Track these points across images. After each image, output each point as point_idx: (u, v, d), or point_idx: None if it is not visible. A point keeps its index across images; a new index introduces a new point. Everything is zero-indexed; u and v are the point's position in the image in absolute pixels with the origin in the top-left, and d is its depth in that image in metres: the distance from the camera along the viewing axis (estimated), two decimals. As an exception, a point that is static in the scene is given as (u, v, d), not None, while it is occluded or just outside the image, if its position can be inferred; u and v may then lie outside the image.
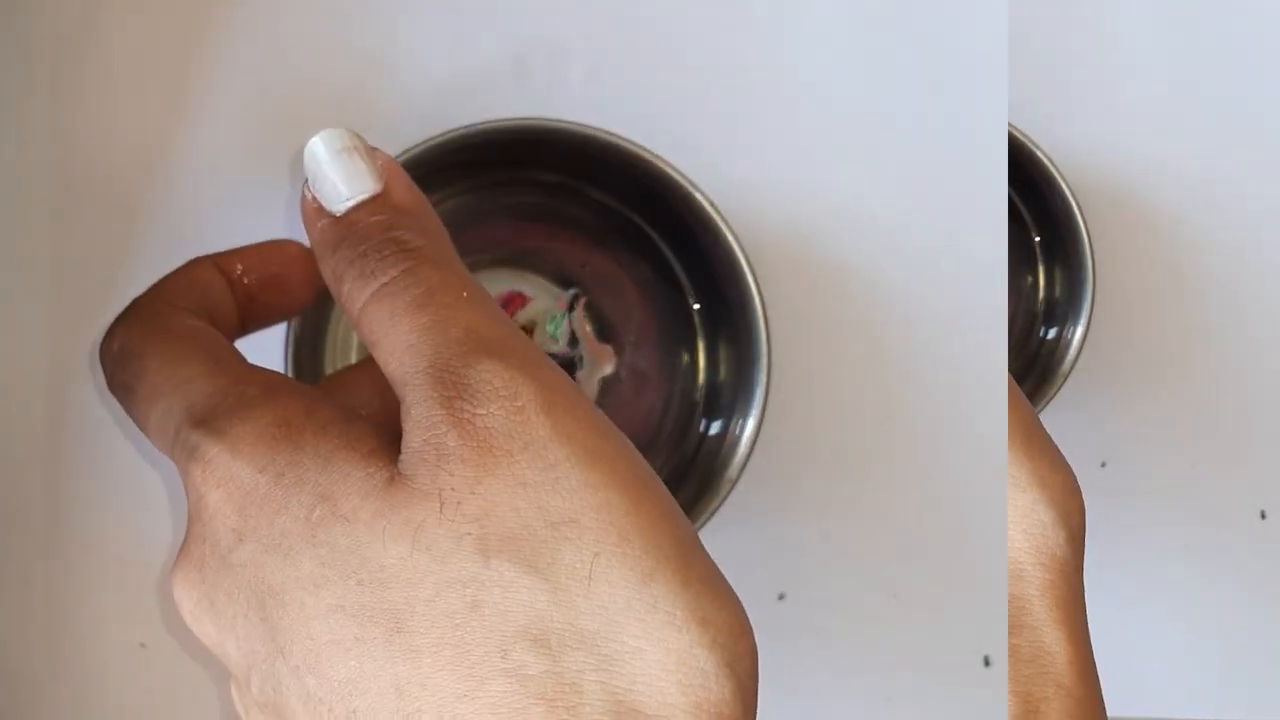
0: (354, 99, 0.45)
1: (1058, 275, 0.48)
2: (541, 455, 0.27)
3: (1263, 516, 0.51)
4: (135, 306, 0.33)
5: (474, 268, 0.44)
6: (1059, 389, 0.46)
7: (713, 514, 0.42)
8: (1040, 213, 0.49)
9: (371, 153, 0.31)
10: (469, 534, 0.26)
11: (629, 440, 0.29)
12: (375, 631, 0.26)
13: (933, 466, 0.48)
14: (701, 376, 0.45)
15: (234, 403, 0.29)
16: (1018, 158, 0.46)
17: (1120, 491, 0.50)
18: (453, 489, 0.27)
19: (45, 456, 0.44)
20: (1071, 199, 0.46)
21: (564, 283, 0.45)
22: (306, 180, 0.31)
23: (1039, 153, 0.46)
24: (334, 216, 0.30)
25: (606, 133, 0.41)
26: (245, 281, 0.36)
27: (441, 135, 0.40)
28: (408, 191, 0.31)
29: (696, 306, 0.45)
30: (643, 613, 0.26)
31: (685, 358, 0.45)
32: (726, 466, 0.43)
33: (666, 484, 0.44)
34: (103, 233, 0.44)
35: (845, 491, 0.49)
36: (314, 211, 0.31)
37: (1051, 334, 0.47)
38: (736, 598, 0.28)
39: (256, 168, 0.45)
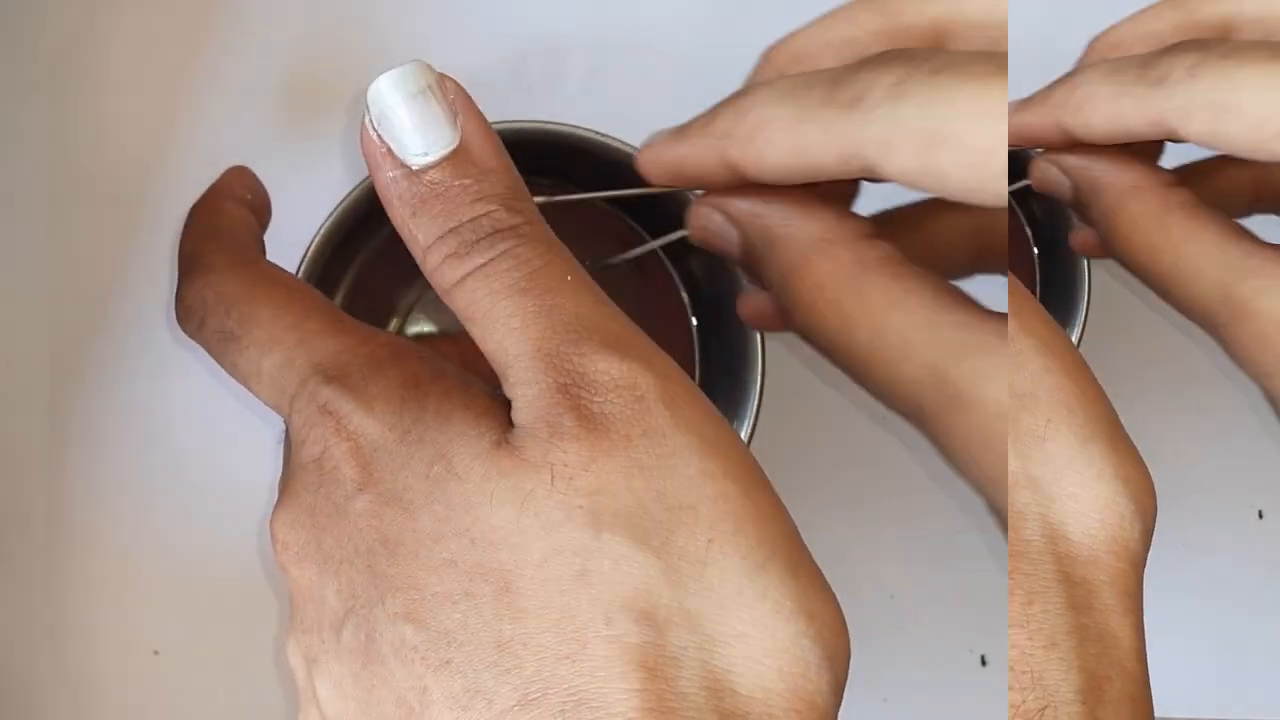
0: (352, 100, 0.45)
1: (1053, 276, 0.48)
2: (661, 442, 0.27)
3: (1260, 516, 0.51)
4: (216, 251, 0.33)
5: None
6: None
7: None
8: (1033, 212, 0.49)
9: (444, 89, 0.29)
10: (580, 507, 0.27)
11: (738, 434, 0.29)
12: (485, 589, 0.27)
13: (931, 465, 0.49)
14: (697, 377, 0.45)
15: (364, 361, 0.30)
16: (1012, 157, 0.46)
17: (1118, 491, 0.50)
18: (565, 464, 0.27)
19: (45, 457, 0.44)
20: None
21: None
22: (368, 116, 0.29)
23: (1032, 152, 0.46)
24: (408, 169, 0.29)
25: (601, 135, 0.41)
26: (254, 208, 0.36)
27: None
28: (487, 144, 0.29)
29: (690, 307, 0.45)
30: (752, 600, 0.27)
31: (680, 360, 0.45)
32: None
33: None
34: (103, 233, 0.44)
35: (841, 492, 0.49)
36: (383, 157, 0.29)
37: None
38: (833, 595, 0.28)
39: (256, 168, 0.45)
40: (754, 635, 0.27)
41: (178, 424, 0.44)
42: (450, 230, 0.29)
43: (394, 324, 0.44)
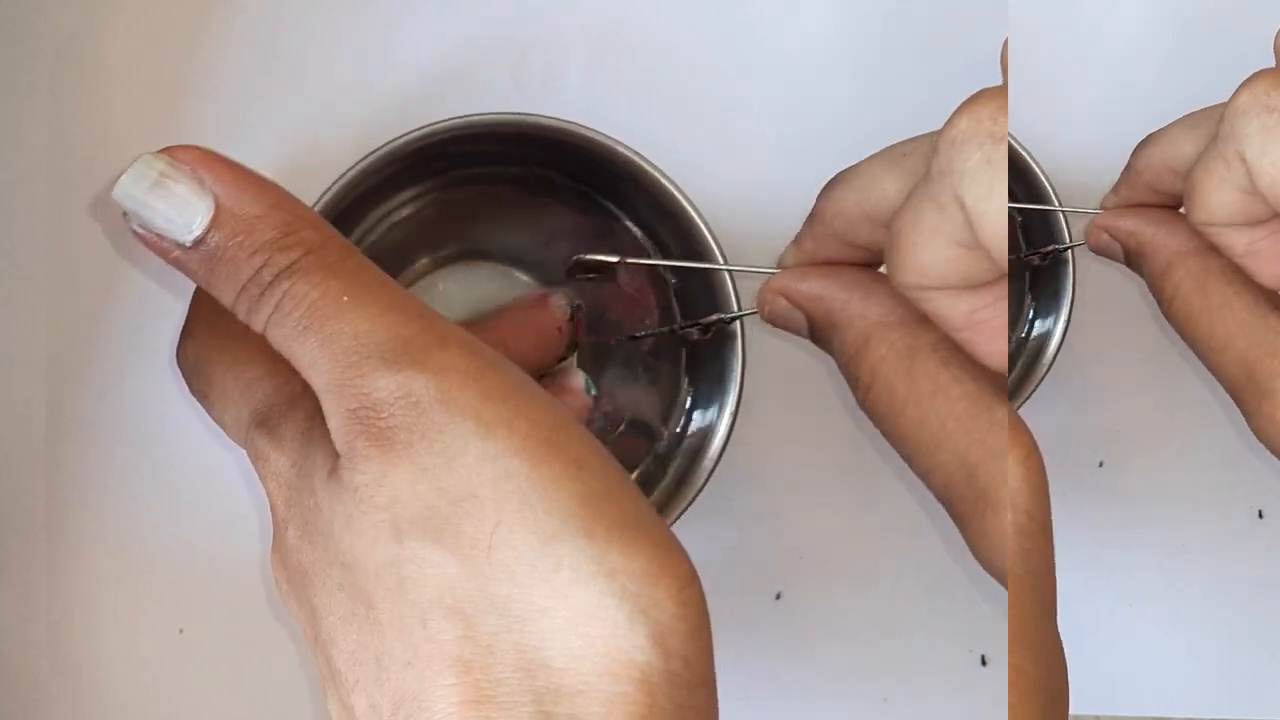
0: (349, 100, 0.45)
1: (1040, 270, 0.48)
2: (438, 439, 0.28)
3: (1260, 516, 0.51)
4: (195, 311, 0.35)
5: (460, 259, 0.44)
6: (1040, 383, 0.46)
7: (694, 499, 0.42)
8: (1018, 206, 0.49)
9: (179, 165, 0.30)
10: (383, 520, 0.28)
11: (537, 391, 0.29)
12: (359, 608, 0.28)
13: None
14: (683, 370, 0.45)
15: (283, 400, 0.32)
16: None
17: (1117, 491, 0.50)
18: (365, 485, 0.28)
19: (45, 457, 0.44)
20: (1047, 184, 0.46)
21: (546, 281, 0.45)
22: (128, 220, 0.30)
23: (1014, 143, 0.46)
24: (185, 246, 0.30)
25: (588, 129, 0.41)
26: None
27: (423, 129, 0.40)
28: (245, 193, 0.30)
29: (674, 282, 0.45)
30: (547, 573, 0.27)
31: (664, 354, 0.45)
32: (705, 456, 0.43)
33: (656, 465, 0.44)
34: (103, 233, 0.44)
35: (842, 491, 0.49)
36: (158, 246, 0.30)
37: (1034, 330, 0.48)
38: (658, 538, 0.28)
39: (255, 168, 0.45)
40: (555, 607, 0.27)
41: (179, 423, 0.44)
42: (241, 289, 0.30)
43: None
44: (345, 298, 0.29)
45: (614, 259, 0.42)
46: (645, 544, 0.28)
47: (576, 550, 0.27)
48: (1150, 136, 0.41)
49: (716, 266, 0.41)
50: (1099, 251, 0.42)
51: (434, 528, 0.28)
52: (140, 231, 0.30)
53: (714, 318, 0.42)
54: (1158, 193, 0.40)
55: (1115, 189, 0.42)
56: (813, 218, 0.37)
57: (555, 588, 0.27)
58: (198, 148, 0.30)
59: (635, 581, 0.27)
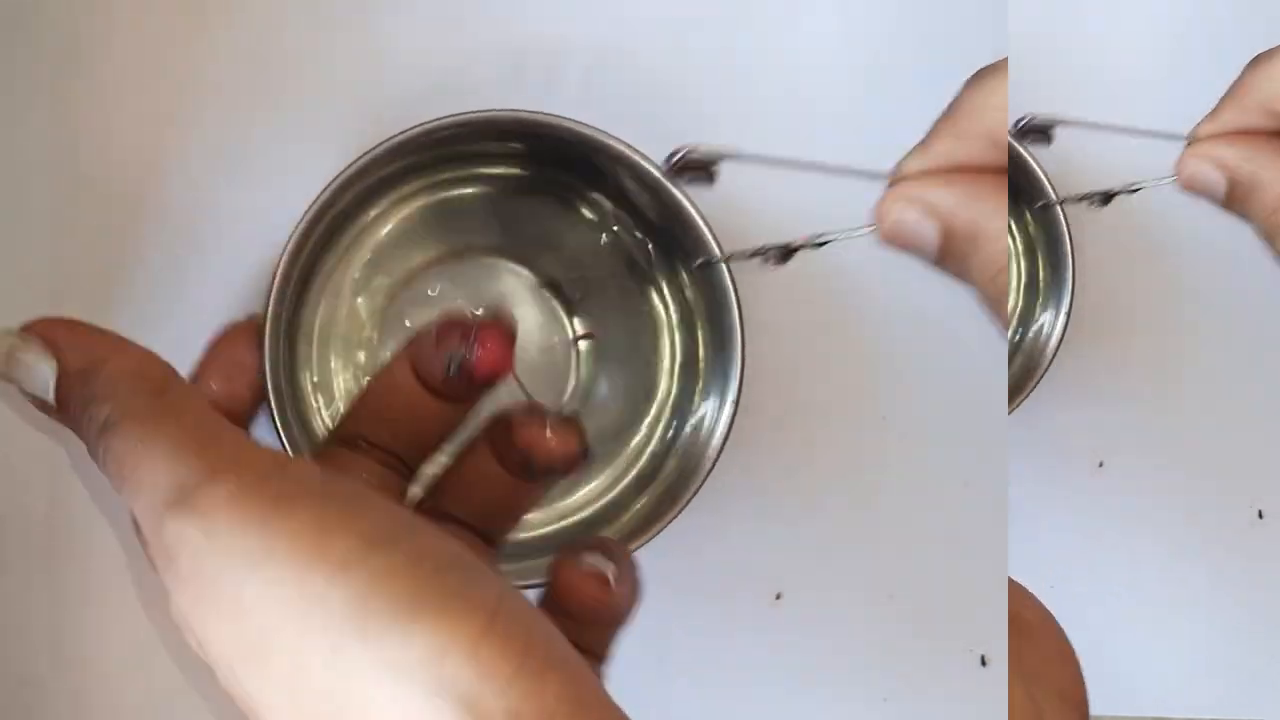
0: (349, 98, 0.45)
1: (1039, 268, 0.48)
2: (218, 583, 0.29)
3: (1260, 516, 0.51)
4: None
5: (458, 256, 0.44)
6: (1039, 381, 0.46)
7: (694, 496, 0.42)
8: (1016, 202, 0.49)
9: (27, 336, 0.33)
10: (216, 659, 0.29)
11: (298, 497, 0.29)
12: None
13: (930, 465, 0.49)
14: (677, 369, 0.45)
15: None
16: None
17: (1117, 492, 0.50)
18: (188, 628, 0.30)
19: (45, 457, 0.44)
20: (1046, 182, 0.46)
21: (549, 283, 0.45)
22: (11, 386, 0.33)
23: (1012, 142, 0.46)
24: (49, 402, 0.33)
25: (587, 126, 0.41)
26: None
27: (422, 125, 0.40)
28: (80, 354, 0.33)
29: (668, 293, 0.45)
30: (347, 683, 0.27)
31: (663, 351, 0.45)
32: (704, 452, 0.43)
33: (653, 464, 0.44)
34: (103, 233, 0.44)
35: (842, 491, 0.49)
36: (41, 408, 0.33)
37: (1033, 328, 0.48)
38: (438, 607, 0.27)
39: (256, 168, 0.45)
40: (369, 713, 0.27)
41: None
42: (84, 438, 0.32)
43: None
44: (141, 446, 0.31)
45: (718, 155, 0.38)
46: (422, 623, 0.27)
47: (357, 656, 0.27)
48: (1267, 52, 0.35)
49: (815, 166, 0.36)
50: (1192, 186, 0.36)
51: (254, 665, 0.28)
52: (22, 394, 0.33)
53: (798, 242, 0.38)
54: (1271, 115, 0.35)
55: (1214, 114, 0.36)
56: (955, 114, 0.32)
57: (360, 695, 0.27)
58: (47, 318, 0.33)
59: (421, 667, 0.27)
